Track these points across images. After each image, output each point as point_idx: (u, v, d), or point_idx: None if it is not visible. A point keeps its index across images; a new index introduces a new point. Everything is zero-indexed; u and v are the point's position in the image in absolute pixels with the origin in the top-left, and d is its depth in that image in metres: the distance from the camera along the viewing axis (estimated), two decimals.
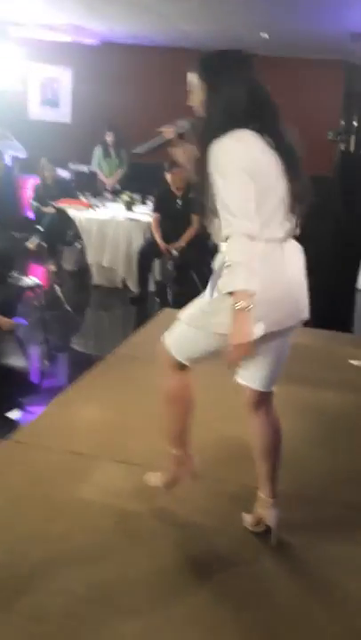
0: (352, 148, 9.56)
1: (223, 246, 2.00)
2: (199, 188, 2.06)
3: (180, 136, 2.23)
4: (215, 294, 2.09)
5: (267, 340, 2.09)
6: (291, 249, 2.17)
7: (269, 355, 2.21)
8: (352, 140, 9.56)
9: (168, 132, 2.30)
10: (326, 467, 3.01)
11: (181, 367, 2.30)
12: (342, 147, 9.38)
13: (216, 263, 2.14)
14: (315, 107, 8.83)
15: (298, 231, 2.17)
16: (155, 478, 2.54)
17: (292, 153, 2.12)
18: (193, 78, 2.12)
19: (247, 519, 2.42)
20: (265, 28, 7.02)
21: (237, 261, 1.91)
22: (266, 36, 7.27)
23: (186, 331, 2.23)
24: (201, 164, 2.03)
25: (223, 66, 2.10)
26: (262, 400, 2.31)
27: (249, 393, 2.29)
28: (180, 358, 2.27)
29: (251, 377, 2.26)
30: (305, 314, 2.22)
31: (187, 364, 2.29)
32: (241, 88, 2.05)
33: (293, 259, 2.18)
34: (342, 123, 9.19)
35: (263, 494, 2.35)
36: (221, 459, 2.88)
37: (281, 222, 2.08)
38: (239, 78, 2.07)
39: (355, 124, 9.54)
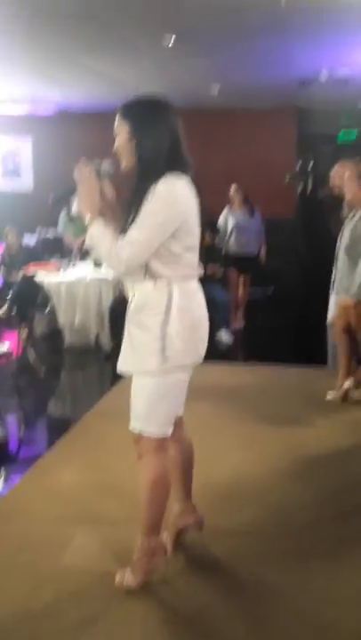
0: (309, 189, 9.80)
1: (147, 285, 2.19)
2: (129, 223, 2.13)
3: (98, 175, 2.25)
4: (135, 332, 2.24)
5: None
6: (199, 285, 2.33)
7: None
8: (309, 181, 9.81)
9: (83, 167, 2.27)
10: (309, 503, 2.98)
11: (162, 445, 2.29)
12: (300, 189, 9.61)
13: (136, 303, 2.23)
14: (271, 153, 9.10)
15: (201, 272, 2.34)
16: (126, 577, 2.33)
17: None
18: (118, 121, 2.20)
19: (168, 548, 2.41)
20: (216, 81, 7.26)
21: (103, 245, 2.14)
22: (216, 91, 7.51)
23: (146, 403, 2.24)
24: (136, 200, 2.12)
25: (146, 107, 2.20)
26: (181, 422, 2.44)
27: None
28: (162, 432, 2.26)
29: None
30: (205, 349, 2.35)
31: (169, 432, 2.28)
32: (164, 127, 2.16)
33: (201, 293, 2.34)
34: (298, 166, 9.44)
35: (183, 504, 2.53)
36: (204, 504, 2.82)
37: (196, 262, 2.27)
38: (162, 118, 2.17)
39: (310, 166, 9.81)
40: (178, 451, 2.47)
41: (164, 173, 2.11)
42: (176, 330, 2.17)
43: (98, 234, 2.18)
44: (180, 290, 2.20)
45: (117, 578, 2.34)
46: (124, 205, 2.21)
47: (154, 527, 2.32)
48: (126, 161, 2.21)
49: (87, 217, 2.21)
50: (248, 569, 2.47)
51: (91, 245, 2.21)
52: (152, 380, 2.22)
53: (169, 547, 2.43)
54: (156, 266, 2.17)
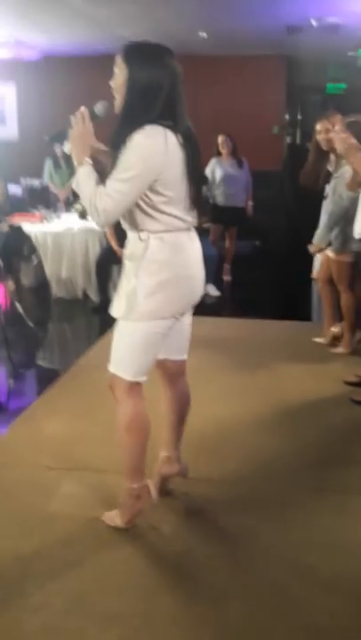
0: (298, 140, 9.70)
1: (132, 235, 2.23)
2: (108, 171, 2.13)
3: (94, 117, 2.24)
4: (124, 280, 2.27)
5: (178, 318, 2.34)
6: (194, 236, 2.35)
7: (183, 327, 2.45)
8: (298, 132, 9.70)
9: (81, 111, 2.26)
10: (289, 452, 3.07)
11: (134, 389, 2.34)
12: (288, 140, 9.50)
13: (126, 252, 2.27)
14: (259, 103, 8.94)
15: (196, 222, 2.33)
16: (113, 518, 2.47)
17: (195, 154, 2.24)
18: (118, 61, 2.17)
19: (152, 492, 2.46)
20: (203, 27, 7.10)
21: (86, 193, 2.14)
22: (204, 35, 7.35)
23: (124, 348, 2.31)
24: (114, 147, 2.11)
25: (149, 51, 2.17)
26: (181, 369, 2.53)
27: (169, 365, 2.49)
28: (137, 377, 2.32)
29: (167, 350, 2.43)
30: (200, 296, 2.41)
31: (141, 379, 2.33)
32: (164, 74, 2.12)
33: (197, 245, 2.36)
34: (287, 116, 9.32)
35: (169, 453, 2.58)
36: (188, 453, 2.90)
37: (183, 214, 2.24)
38: (163, 65, 2.13)
39: (299, 116, 9.68)
40: (175, 397, 2.54)
41: (143, 123, 2.08)
42: (148, 283, 2.20)
43: (82, 180, 2.18)
44: (161, 243, 2.20)
45: (105, 517, 2.48)
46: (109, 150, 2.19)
47: (135, 471, 2.39)
48: (119, 103, 2.18)
49: (75, 160, 2.21)
50: (229, 516, 2.57)
51: (76, 190, 2.21)
52: (127, 326, 2.28)
53: (154, 492, 2.48)
54: (137, 217, 2.19)
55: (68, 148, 2.25)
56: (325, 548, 2.38)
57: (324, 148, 4.20)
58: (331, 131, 4.11)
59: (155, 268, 2.21)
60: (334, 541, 2.41)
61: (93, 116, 2.24)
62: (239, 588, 2.17)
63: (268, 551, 2.36)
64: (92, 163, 2.21)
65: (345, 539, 2.43)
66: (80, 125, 2.21)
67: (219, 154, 6.89)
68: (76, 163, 2.21)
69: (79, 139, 2.21)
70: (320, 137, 4.21)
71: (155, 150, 2.09)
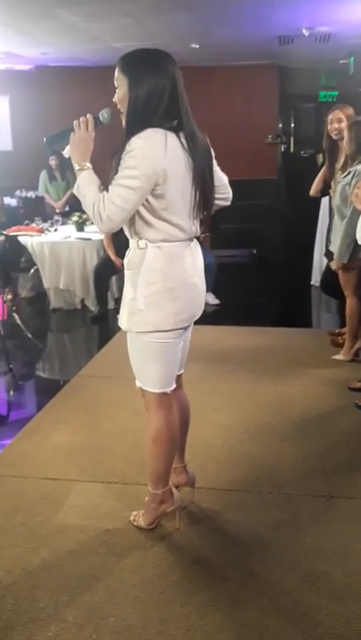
0: (292, 149, 9.74)
1: (132, 243, 2.21)
2: (111, 177, 2.11)
3: (99, 124, 2.23)
4: (125, 290, 2.26)
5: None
6: (195, 246, 2.31)
7: (182, 343, 2.39)
8: (292, 141, 9.74)
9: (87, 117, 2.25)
10: (298, 460, 3.05)
11: (163, 400, 2.33)
12: (283, 148, 9.54)
13: (125, 260, 2.27)
14: (253, 112, 8.98)
15: (199, 232, 2.31)
16: (138, 519, 2.52)
17: (205, 157, 2.22)
18: (116, 74, 2.16)
19: (176, 496, 2.47)
20: (195, 38, 7.12)
21: (88, 198, 2.11)
22: (196, 46, 7.37)
23: (138, 361, 2.31)
24: (118, 154, 2.10)
25: (146, 59, 2.15)
26: (179, 383, 2.50)
27: None
28: (159, 388, 2.31)
29: None
30: (202, 308, 2.39)
31: (167, 390, 2.32)
32: (164, 80, 2.10)
33: (199, 256, 2.33)
34: (280, 125, 9.36)
35: (176, 463, 2.54)
36: (196, 463, 2.89)
37: (185, 222, 2.19)
38: (162, 71, 2.12)
39: (292, 125, 9.73)
40: (177, 409, 2.50)
41: (145, 127, 2.07)
42: (146, 292, 2.18)
43: (83, 185, 2.16)
44: (159, 252, 2.18)
45: (132, 517, 2.54)
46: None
47: (160, 479, 2.40)
48: (124, 116, 2.17)
49: (76, 164, 2.19)
50: (239, 524, 2.55)
51: (77, 195, 2.19)
52: (133, 339, 2.28)
53: (177, 496, 2.47)
54: (136, 225, 2.17)
55: (67, 151, 2.23)
56: (338, 554, 2.36)
57: (335, 137, 4.28)
58: (342, 120, 4.17)
59: (153, 278, 2.18)
60: (346, 548, 2.39)
61: (97, 123, 2.23)
62: (253, 596, 2.15)
63: (280, 559, 2.34)
64: (91, 167, 2.20)
65: (357, 545, 2.41)
66: (83, 130, 2.19)
67: None
68: (76, 167, 2.19)
69: (80, 143, 2.19)
70: (331, 127, 4.31)
71: (154, 153, 2.06)
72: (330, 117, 4.37)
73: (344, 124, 4.20)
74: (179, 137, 2.12)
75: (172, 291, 2.20)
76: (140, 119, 2.10)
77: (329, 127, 4.36)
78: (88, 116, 2.21)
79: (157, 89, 2.10)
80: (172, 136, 2.10)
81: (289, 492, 2.78)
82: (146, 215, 2.15)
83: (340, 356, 4.42)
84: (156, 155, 2.06)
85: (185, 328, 2.32)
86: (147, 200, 2.12)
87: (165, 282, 2.19)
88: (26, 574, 2.27)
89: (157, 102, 2.10)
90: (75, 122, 2.20)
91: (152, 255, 2.18)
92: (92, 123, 2.20)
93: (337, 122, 4.28)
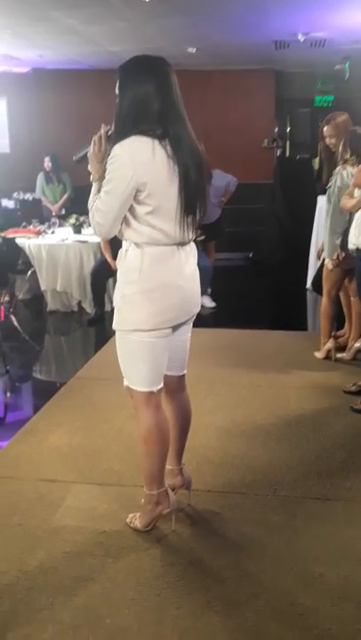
0: (288, 153, 9.77)
1: (125, 244, 2.27)
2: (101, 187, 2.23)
3: (107, 138, 2.30)
4: (115, 293, 2.32)
5: (174, 332, 2.34)
6: (187, 251, 2.32)
7: (178, 344, 2.42)
8: (287, 145, 9.77)
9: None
10: (293, 463, 3.07)
11: (151, 399, 2.34)
12: (278, 152, 9.57)
13: (118, 260, 2.31)
14: (249, 117, 9.01)
15: (193, 236, 2.33)
16: (134, 520, 2.53)
17: (195, 159, 2.24)
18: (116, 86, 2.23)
19: (171, 498, 2.47)
20: (192, 42, 7.15)
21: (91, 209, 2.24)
22: (193, 50, 7.40)
23: (124, 359, 2.34)
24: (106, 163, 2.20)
25: (132, 69, 2.21)
26: (180, 385, 2.53)
27: (169, 380, 2.46)
28: (145, 387, 2.32)
29: (167, 366, 2.41)
30: (197, 308, 2.43)
31: (154, 389, 2.33)
32: (149, 88, 2.14)
33: (189, 261, 2.34)
34: (276, 129, 9.39)
35: (172, 465, 2.58)
36: (192, 465, 2.90)
37: (169, 227, 2.22)
38: (147, 79, 2.16)
39: (288, 129, 9.76)
40: (177, 411, 2.54)
41: (129, 135, 2.13)
42: (128, 292, 2.24)
43: (90, 196, 2.27)
44: (139, 252, 2.22)
45: (128, 518, 2.55)
46: None
47: (154, 479, 2.41)
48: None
49: (92, 177, 2.30)
50: (235, 527, 2.56)
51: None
52: (120, 337, 2.32)
53: (173, 498, 2.47)
54: (122, 227, 2.24)
55: (90, 166, 2.36)
56: (333, 556, 2.37)
57: (332, 149, 4.37)
58: (333, 137, 4.29)
59: (132, 278, 2.24)
60: (342, 550, 2.41)
61: (108, 137, 2.29)
62: (249, 598, 2.16)
63: (276, 561, 2.35)
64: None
65: (352, 547, 2.42)
66: (96, 147, 2.28)
67: None
68: (91, 179, 2.31)
69: (94, 158, 2.29)
70: (326, 141, 4.40)
71: (133, 159, 2.11)
72: (324, 132, 4.41)
73: (335, 140, 4.28)
74: (165, 143, 2.15)
75: (151, 291, 2.23)
76: (124, 127, 2.17)
77: (327, 140, 4.43)
78: (102, 129, 2.28)
79: (139, 97, 2.14)
80: (157, 143, 2.14)
81: (285, 495, 2.79)
82: (128, 218, 2.21)
83: (343, 355, 4.45)
84: (135, 161, 2.11)
85: (172, 329, 2.33)
86: (131, 204, 2.18)
87: (145, 282, 2.23)
88: (22, 575, 2.27)
89: (142, 110, 2.15)
90: (93, 138, 2.30)
91: (132, 256, 2.24)
92: (105, 137, 2.28)
93: (329, 138, 4.38)
